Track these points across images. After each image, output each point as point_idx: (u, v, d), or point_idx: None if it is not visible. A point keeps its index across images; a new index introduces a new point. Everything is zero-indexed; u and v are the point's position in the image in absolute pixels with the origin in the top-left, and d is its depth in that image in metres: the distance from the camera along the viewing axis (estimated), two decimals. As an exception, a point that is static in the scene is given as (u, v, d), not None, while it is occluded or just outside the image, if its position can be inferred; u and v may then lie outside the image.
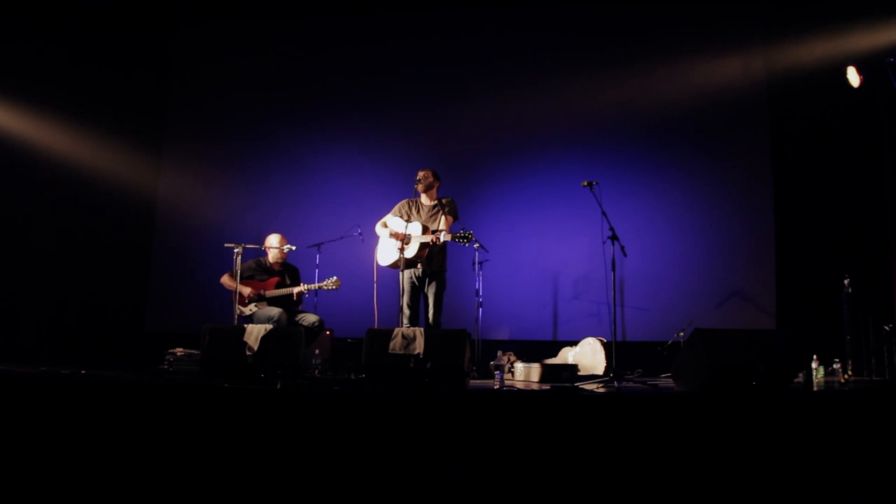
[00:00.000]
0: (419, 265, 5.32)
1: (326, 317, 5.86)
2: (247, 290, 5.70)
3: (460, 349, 4.02)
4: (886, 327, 5.38)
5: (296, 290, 5.73)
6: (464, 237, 5.07)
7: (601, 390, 4.10)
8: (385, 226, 5.51)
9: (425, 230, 5.30)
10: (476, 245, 6.20)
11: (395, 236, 5.31)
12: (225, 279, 5.88)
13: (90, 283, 7.53)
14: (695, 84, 6.99)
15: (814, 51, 6.53)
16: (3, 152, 6.96)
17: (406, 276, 5.34)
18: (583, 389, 4.11)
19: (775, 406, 3.37)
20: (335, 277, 5.74)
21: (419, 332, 4.06)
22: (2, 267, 7.02)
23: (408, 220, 5.32)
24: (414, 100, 7.62)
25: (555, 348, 6.18)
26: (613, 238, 4.88)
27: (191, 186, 7.74)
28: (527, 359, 5.44)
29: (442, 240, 5.17)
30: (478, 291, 6.34)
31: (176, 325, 7.27)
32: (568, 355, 5.93)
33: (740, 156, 7.02)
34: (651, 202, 7.05)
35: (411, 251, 5.21)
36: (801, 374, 4.11)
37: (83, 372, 4.48)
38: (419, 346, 3.99)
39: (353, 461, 3.36)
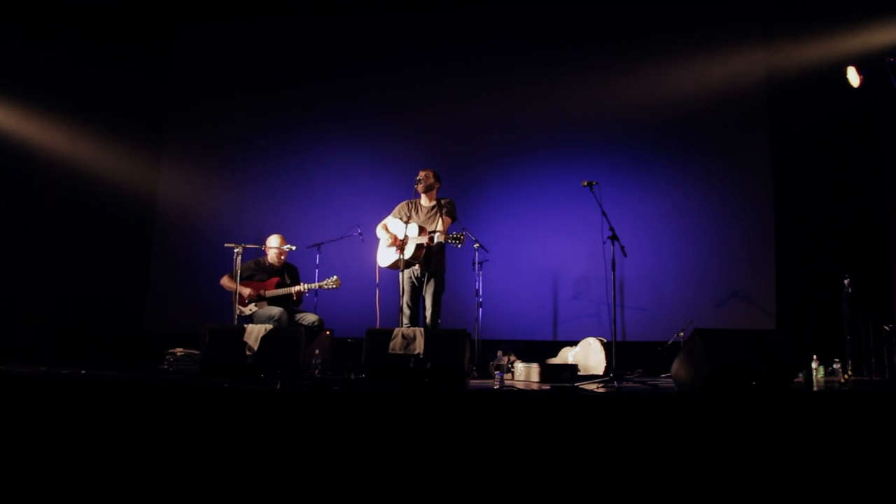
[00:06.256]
0: (417, 266, 5.33)
1: (326, 317, 5.86)
2: (247, 291, 5.70)
3: (460, 349, 4.02)
4: (886, 327, 5.39)
5: (295, 289, 5.73)
6: (456, 238, 5.05)
7: (601, 390, 4.10)
8: (385, 228, 5.52)
9: (422, 231, 5.30)
10: (476, 245, 6.21)
11: (393, 242, 5.32)
12: (225, 281, 5.88)
13: (90, 283, 7.53)
14: (695, 84, 6.99)
15: (814, 51, 6.53)
16: (3, 152, 6.96)
17: (405, 276, 5.35)
18: (583, 389, 4.11)
19: (775, 406, 3.37)
20: (335, 276, 5.75)
21: (419, 332, 4.06)
22: (2, 267, 7.03)
23: (407, 221, 5.32)
24: (414, 100, 7.61)
25: (555, 348, 6.18)
26: (613, 238, 4.88)
27: (191, 187, 7.74)
28: (527, 359, 5.44)
29: (436, 241, 5.18)
30: (478, 291, 6.34)
31: (176, 325, 7.26)
32: (568, 355, 5.93)
33: (740, 156, 7.02)
34: (651, 202, 7.05)
35: (408, 252, 5.22)
36: (801, 374, 4.12)
37: (83, 372, 4.48)
38: (419, 346, 3.99)
39: (354, 461, 3.36)
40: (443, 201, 5.51)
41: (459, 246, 5.14)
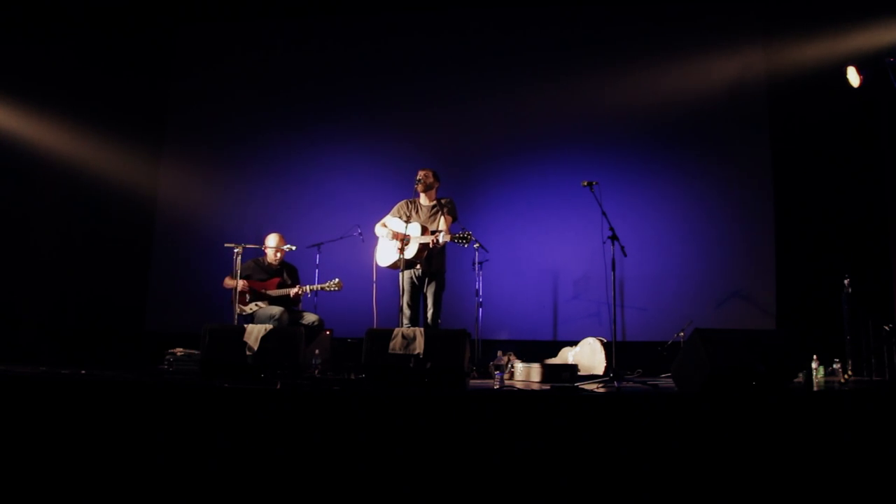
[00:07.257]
0: (418, 266, 5.33)
1: (326, 317, 5.86)
2: (248, 288, 5.71)
3: (460, 349, 4.02)
4: (886, 327, 5.38)
5: (293, 290, 5.73)
6: (463, 238, 5.07)
7: (601, 390, 4.10)
8: (385, 226, 5.51)
9: (424, 231, 5.30)
10: (476, 245, 6.21)
11: (395, 236, 5.31)
12: (227, 281, 5.88)
13: (90, 283, 7.53)
14: (695, 84, 6.99)
15: (814, 51, 6.53)
16: (4, 152, 6.96)
17: (406, 276, 5.34)
18: (583, 389, 4.11)
19: (775, 406, 3.37)
20: (337, 279, 5.75)
21: (419, 332, 4.06)
22: (2, 267, 7.02)
23: (407, 221, 5.32)
24: (414, 100, 7.62)
25: (555, 348, 6.18)
26: (613, 238, 4.88)
27: (191, 187, 7.73)
28: (527, 359, 5.44)
29: (441, 241, 5.17)
30: (478, 291, 6.34)
31: (176, 325, 7.26)
32: (568, 355, 5.93)
33: (740, 156, 7.02)
34: (651, 202, 7.05)
35: (410, 252, 5.21)
36: (801, 374, 4.11)
37: (83, 372, 4.48)
38: (419, 346, 3.99)
39: (354, 461, 3.36)
40: (443, 201, 5.51)
41: (466, 245, 5.14)
